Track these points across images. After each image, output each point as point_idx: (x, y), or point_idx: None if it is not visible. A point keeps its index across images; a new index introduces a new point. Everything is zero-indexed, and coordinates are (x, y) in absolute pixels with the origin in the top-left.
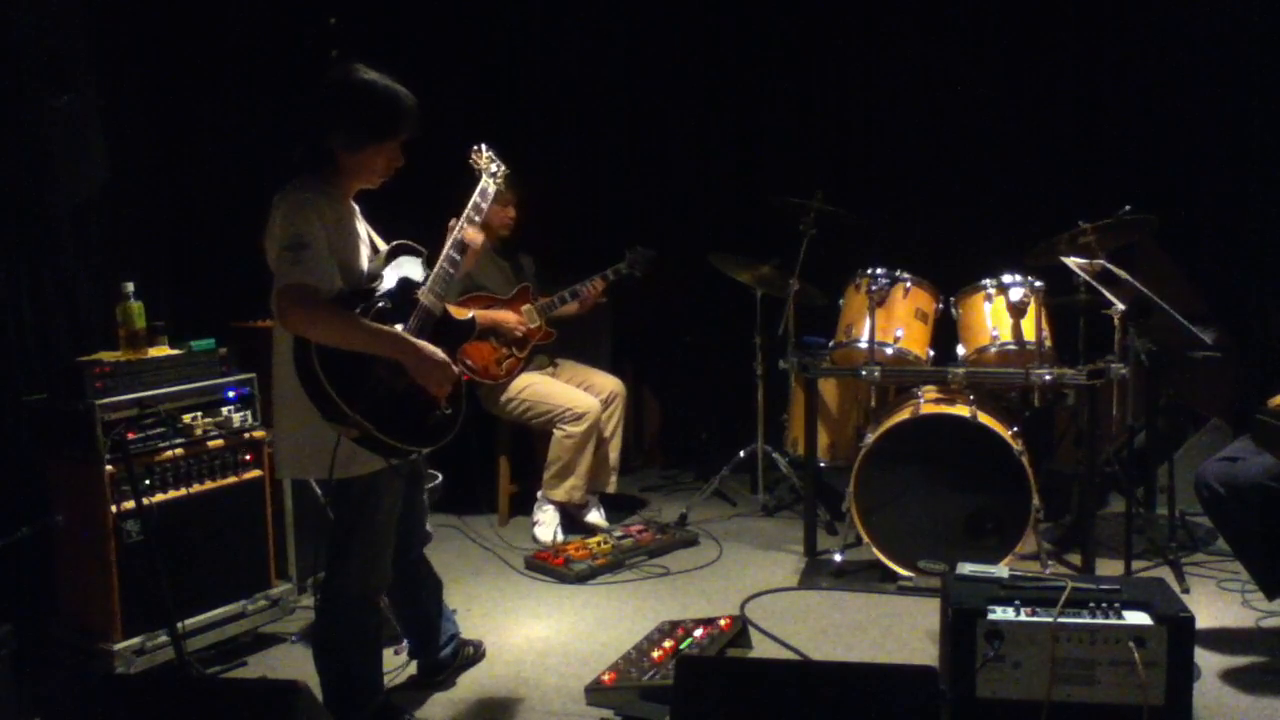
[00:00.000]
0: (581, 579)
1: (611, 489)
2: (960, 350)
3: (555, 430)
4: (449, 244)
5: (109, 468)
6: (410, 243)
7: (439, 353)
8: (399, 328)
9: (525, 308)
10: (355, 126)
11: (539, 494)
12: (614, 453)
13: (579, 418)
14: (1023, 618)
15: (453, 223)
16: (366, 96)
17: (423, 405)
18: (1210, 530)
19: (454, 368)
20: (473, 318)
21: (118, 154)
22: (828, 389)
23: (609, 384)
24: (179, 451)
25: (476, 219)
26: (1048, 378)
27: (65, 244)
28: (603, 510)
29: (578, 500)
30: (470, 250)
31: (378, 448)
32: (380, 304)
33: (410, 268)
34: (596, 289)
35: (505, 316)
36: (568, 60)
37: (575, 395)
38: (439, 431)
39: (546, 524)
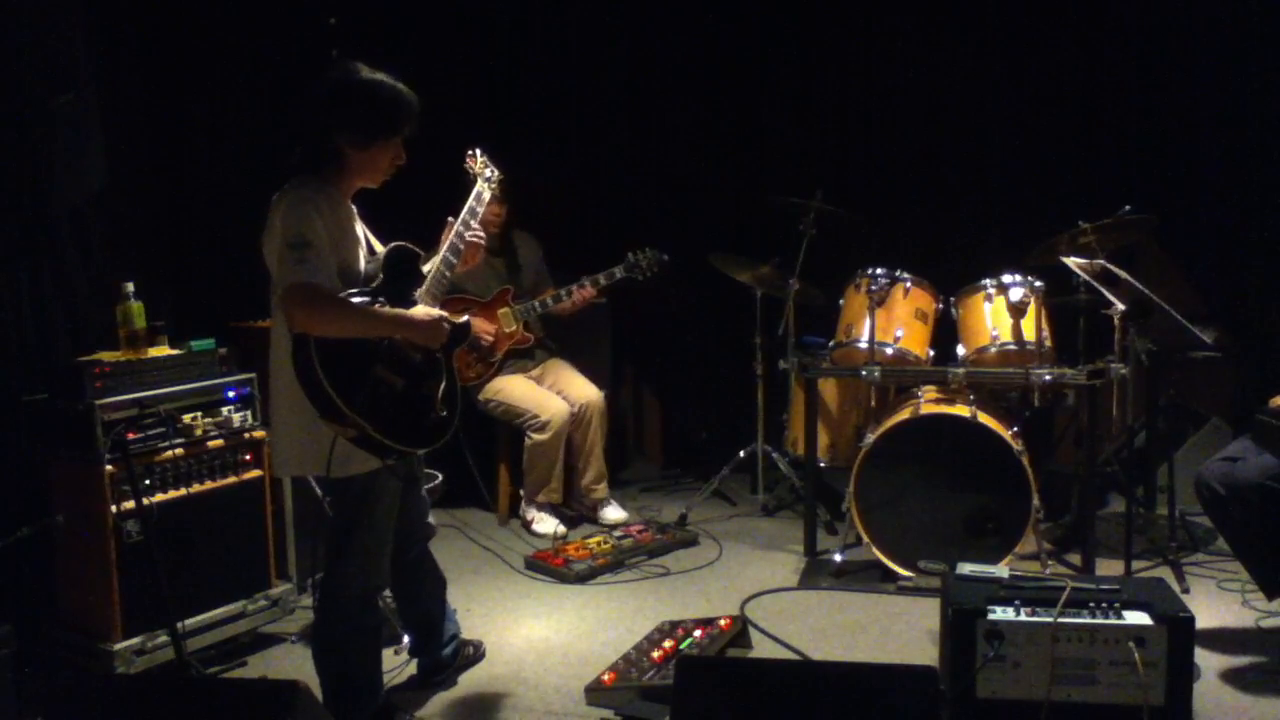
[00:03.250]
0: (581, 579)
1: (599, 494)
2: (960, 350)
3: (525, 437)
4: (445, 247)
5: (109, 468)
6: (407, 245)
7: (433, 311)
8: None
9: (503, 311)
10: (361, 124)
11: (522, 493)
12: (593, 467)
13: (544, 425)
14: (1023, 618)
15: (448, 230)
16: (370, 94)
17: (420, 406)
18: (1210, 530)
19: (445, 315)
20: (468, 320)
21: (118, 154)
22: (828, 389)
23: (585, 394)
24: (179, 451)
25: (472, 223)
26: (1048, 378)
27: (65, 244)
28: (614, 504)
29: (557, 501)
30: (468, 253)
31: (374, 448)
32: (376, 305)
33: (407, 270)
34: (588, 293)
35: (475, 325)
36: (568, 60)
37: (544, 401)
38: (435, 433)
39: (543, 520)
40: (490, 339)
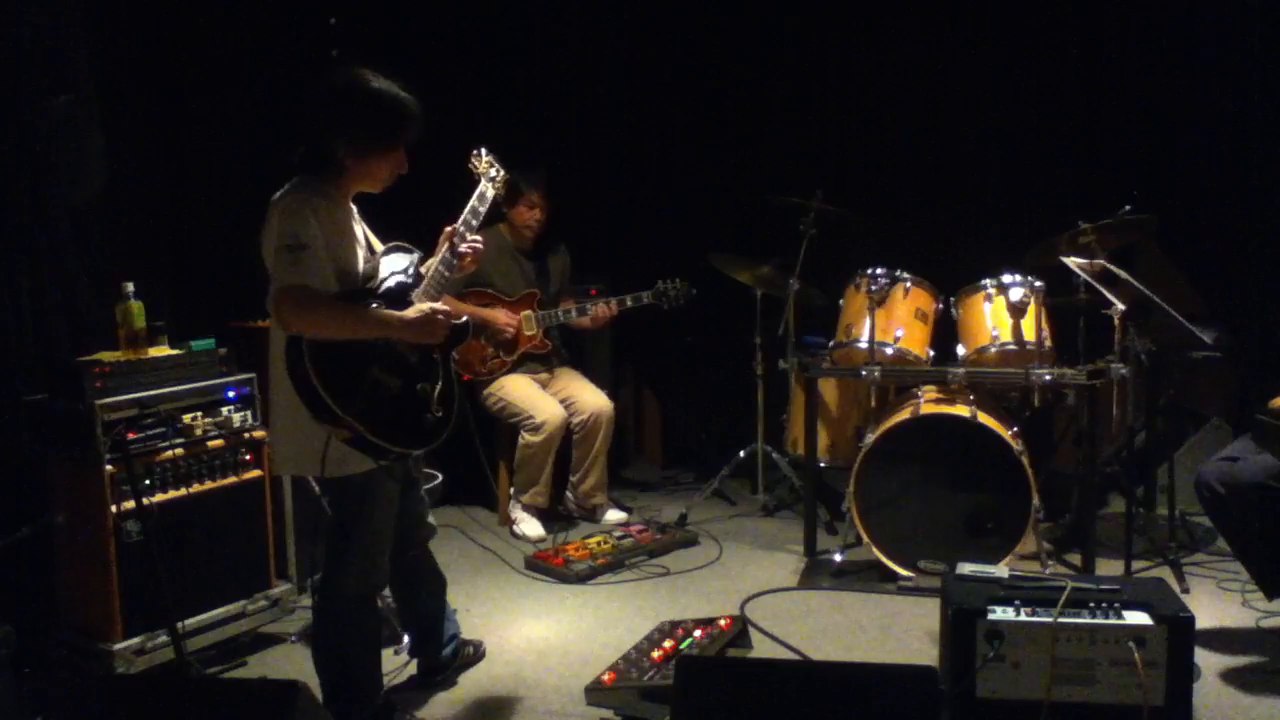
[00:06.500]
0: (581, 579)
1: (598, 501)
2: (960, 350)
3: (519, 437)
4: (445, 247)
5: (109, 468)
6: (406, 244)
7: (424, 306)
8: None
9: (525, 313)
10: (361, 134)
11: (511, 491)
12: (594, 475)
13: (537, 428)
14: (1023, 618)
15: (449, 228)
16: (372, 104)
17: (416, 407)
18: (1210, 530)
19: (439, 309)
20: (468, 321)
21: (118, 154)
22: (828, 389)
23: (596, 403)
24: (179, 451)
25: (474, 223)
26: (1048, 378)
27: (65, 244)
28: (613, 506)
29: (542, 505)
30: (466, 254)
31: (369, 449)
32: (375, 305)
33: (406, 269)
34: (610, 310)
35: (496, 316)
36: (568, 60)
37: (542, 403)
38: (431, 433)
39: (528, 521)
40: (512, 332)
